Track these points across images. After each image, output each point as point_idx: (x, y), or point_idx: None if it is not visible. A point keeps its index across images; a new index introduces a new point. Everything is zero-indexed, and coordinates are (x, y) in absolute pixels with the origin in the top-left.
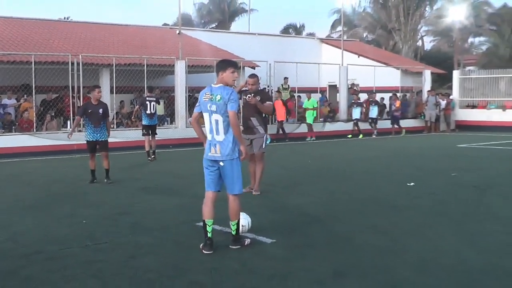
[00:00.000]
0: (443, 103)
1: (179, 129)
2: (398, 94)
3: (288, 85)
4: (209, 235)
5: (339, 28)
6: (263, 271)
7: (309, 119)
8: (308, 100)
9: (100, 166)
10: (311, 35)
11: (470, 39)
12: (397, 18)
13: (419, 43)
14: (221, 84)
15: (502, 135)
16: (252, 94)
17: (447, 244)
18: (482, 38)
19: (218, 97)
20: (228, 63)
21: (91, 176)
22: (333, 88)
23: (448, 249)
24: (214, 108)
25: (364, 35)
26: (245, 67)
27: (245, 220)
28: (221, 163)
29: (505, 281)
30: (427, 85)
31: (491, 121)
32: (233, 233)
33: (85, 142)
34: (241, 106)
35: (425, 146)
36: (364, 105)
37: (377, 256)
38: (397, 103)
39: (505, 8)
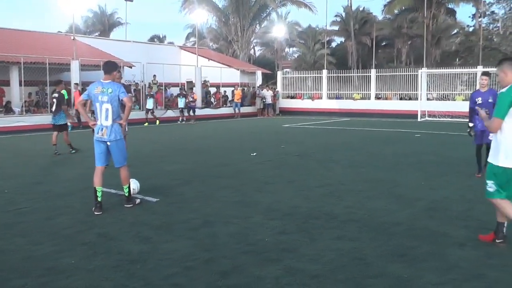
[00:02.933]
0: (268, 94)
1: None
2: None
3: (157, 81)
4: (99, 199)
5: (193, 38)
6: (152, 223)
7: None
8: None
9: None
10: (171, 43)
11: (287, 49)
12: (236, 32)
13: (252, 51)
14: (110, 81)
15: (312, 118)
16: None
17: (285, 196)
18: (294, 49)
19: (110, 90)
20: (116, 66)
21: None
22: (190, 83)
23: (286, 200)
24: (105, 99)
25: (211, 44)
26: (124, 66)
27: (135, 184)
28: (108, 143)
29: (325, 220)
30: (259, 81)
31: (305, 107)
32: (126, 194)
33: None
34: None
35: (260, 126)
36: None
37: (235, 208)
38: (194, 96)
39: (310, 28)
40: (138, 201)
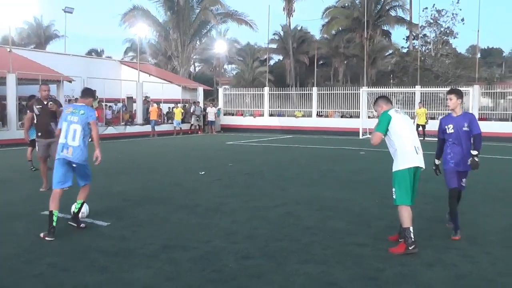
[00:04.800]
0: (212, 111)
1: (10, 131)
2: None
3: (97, 96)
4: (54, 224)
5: (131, 53)
6: (107, 250)
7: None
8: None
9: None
10: (109, 57)
11: (225, 66)
12: (176, 48)
13: (192, 67)
14: (84, 104)
15: (254, 135)
16: (51, 103)
17: (242, 218)
18: (233, 66)
19: (82, 111)
20: (93, 93)
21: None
22: (130, 99)
23: (244, 221)
24: (75, 119)
25: (149, 59)
26: (64, 81)
27: (84, 207)
28: (74, 165)
29: (288, 242)
30: (200, 98)
31: (246, 125)
32: (75, 210)
33: None
34: (36, 114)
35: (203, 143)
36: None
37: (193, 231)
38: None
39: (248, 45)
40: (83, 225)
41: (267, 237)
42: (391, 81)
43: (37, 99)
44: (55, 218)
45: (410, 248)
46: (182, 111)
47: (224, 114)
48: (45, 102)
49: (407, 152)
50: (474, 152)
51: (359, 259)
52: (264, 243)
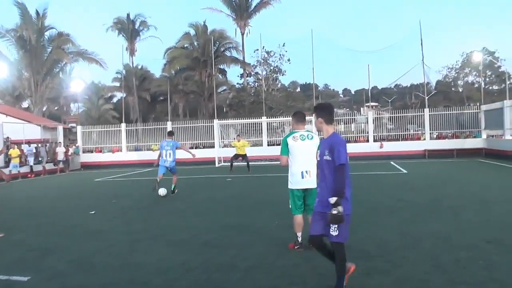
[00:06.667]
0: (60, 150)
1: None
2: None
3: None
4: None
5: None
6: None
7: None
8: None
9: None
10: None
11: (72, 104)
12: (29, 87)
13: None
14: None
15: (116, 170)
16: None
17: (162, 253)
18: (80, 104)
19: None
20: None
21: None
22: None
23: (165, 257)
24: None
25: None
26: None
27: None
28: None
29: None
30: (60, 137)
31: (106, 161)
32: None
33: None
34: None
35: (72, 182)
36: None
37: (121, 273)
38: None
39: (93, 84)
40: None
41: (186, 269)
42: (228, 114)
43: None
44: None
45: (295, 247)
46: (19, 152)
47: (83, 152)
48: None
49: (293, 175)
50: (331, 199)
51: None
52: (194, 278)
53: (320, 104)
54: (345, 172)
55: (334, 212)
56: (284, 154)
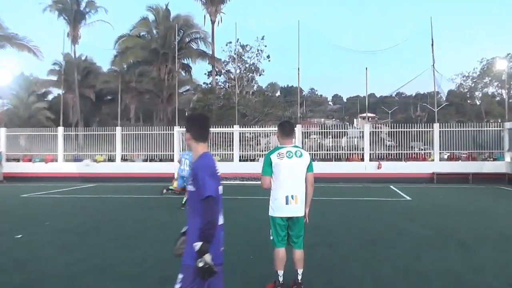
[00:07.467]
0: None
1: None
2: None
3: None
4: None
5: None
6: None
7: None
8: None
9: None
10: None
11: None
12: None
13: None
14: None
15: (50, 185)
16: None
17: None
18: (5, 100)
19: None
20: None
21: None
22: None
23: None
24: None
25: None
26: None
27: None
28: None
29: None
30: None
31: (37, 172)
32: None
33: None
34: None
35: None
36: None
37: None
38: None
39: (23, 76)
40: None
41: None
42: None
43: None
44: None
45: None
46: None
47: (7, 160)
48: None
49: (276, 200)
50: (195, 245)
51: None
52: None
53: (192, 116)
54: (215, 207)
55: (200, 264)
56: (266, 174)
